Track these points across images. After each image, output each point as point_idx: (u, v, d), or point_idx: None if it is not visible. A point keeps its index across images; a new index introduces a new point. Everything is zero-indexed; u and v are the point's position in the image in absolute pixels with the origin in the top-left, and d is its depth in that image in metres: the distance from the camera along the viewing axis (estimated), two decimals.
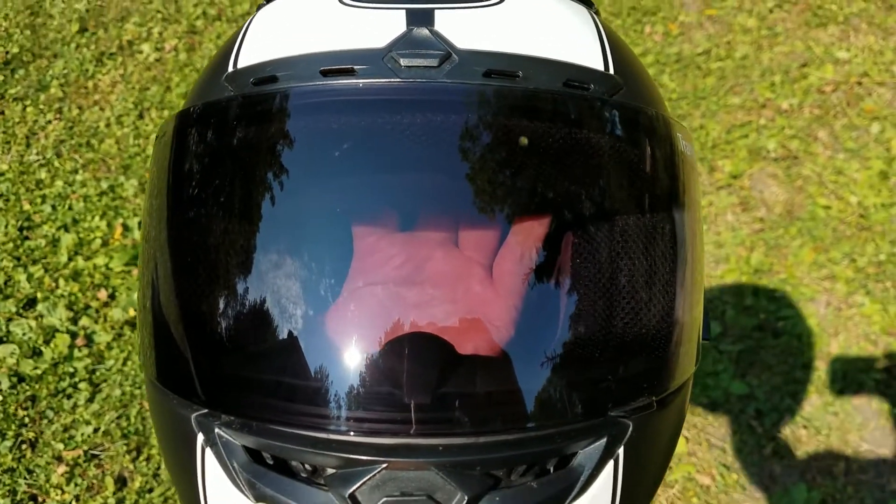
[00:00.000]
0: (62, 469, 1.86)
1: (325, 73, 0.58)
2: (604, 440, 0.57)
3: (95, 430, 1.94)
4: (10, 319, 2.15)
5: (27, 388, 2.01)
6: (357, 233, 0.59)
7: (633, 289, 0.58)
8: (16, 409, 1.96)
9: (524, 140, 0.57)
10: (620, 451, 0.57)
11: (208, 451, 0.58)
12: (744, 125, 2.64)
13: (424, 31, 0.59)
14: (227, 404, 0.59)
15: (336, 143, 0.57)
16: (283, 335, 0.56)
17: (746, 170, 2.48)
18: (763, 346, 2.03)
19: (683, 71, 2.89)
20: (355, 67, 0.58)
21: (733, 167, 2.48)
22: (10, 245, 2.33)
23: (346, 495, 0.53)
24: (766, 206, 2.38)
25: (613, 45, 0.66)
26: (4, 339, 2.11)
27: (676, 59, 2.95)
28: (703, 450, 1.84)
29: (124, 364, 2.07)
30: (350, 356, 0.55)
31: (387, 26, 0.60)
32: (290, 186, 0.58)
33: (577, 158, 0.58)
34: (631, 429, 0.58)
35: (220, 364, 0.59)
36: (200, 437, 0.59)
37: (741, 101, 2.73)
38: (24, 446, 1.90)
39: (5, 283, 2.24)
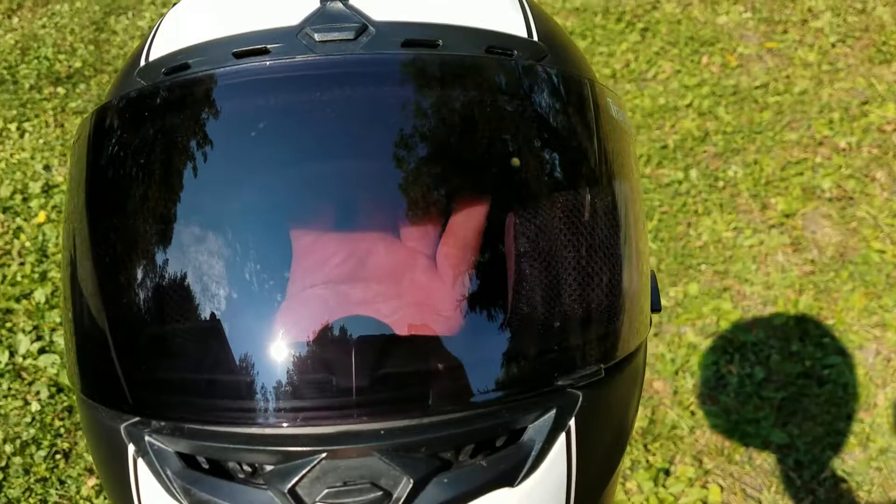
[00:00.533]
0: (92, 482, 1.88)
1: (239, 56, 0.56)
2: (553, 412, 0.54)
3: None
4: (53, 330, 2.19)
5: (65, 398, 2.04)
6: (293, 232, 0.56)
7: (573, 259, 0.56)
8: (52, 420, 1.99)
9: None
10: (572, 423, 0.55)
11: (140, 461, 0.55)
12: (799, 162, 2.57)
13: (338, 5, 0.57)
14: (156, 408, 0.55)
15: (254, 127, 0.54)
16: (207, 330, 0.53)
17: (800, 209, 2.41)
18: (807, 395, 1.95)
19: (740, 104, 2.83)
20: (269, 47, 0.55)
21: (786, 205, 2.41)
22: (60, 256, 2.37)
23: (286, 491, 0.50)
24: (818, 248, 2.30)
25: (537, 14, 0.64)
26: (47, 348, 2.15)
27: (733, 91, 2.89)
28: (738, 499, 1.77)
29: None
30: (280, 343, 0.52)
31: (300, 4, 0.58)
32: (209, 179, 0.56)
33: (505, 127, 0.56)
34: (581, 399, 0.55)
35: (145, 367, 0.56)
36: (131, 448, 0.55)
37: (798, 137, 2.66)
38: (57, 456, 1.93)
39: (52, 293, 2.28)
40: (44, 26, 3.46)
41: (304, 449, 0.50)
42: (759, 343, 2.07)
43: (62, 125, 2.91)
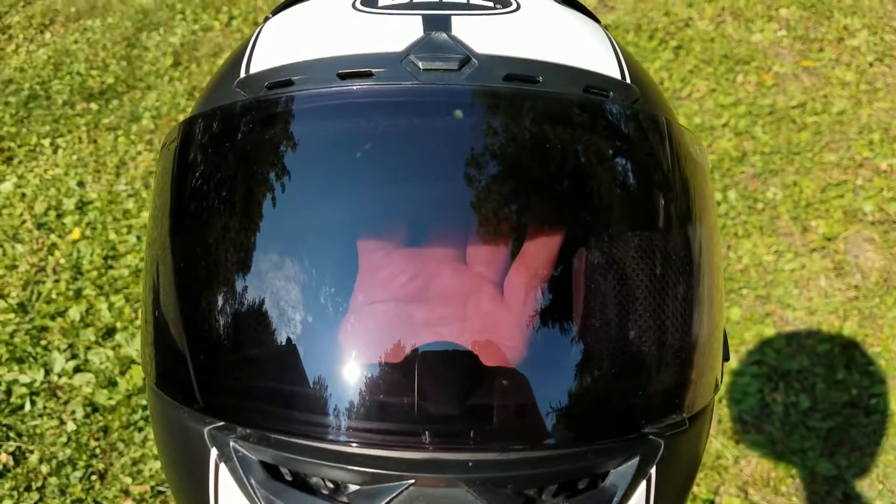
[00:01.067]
0: (129, 503, 1.87)
1: (343, 77, 0.57)
2: (636, 459, 0.54)
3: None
4: (88, 348, 2.18)
5: (100, 418, 2.02)
6: (364, 245, 0.56)
7: (657, 303, 0.56)
8: (88, 440, 1.97)
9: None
10: (652, 470, 0.55)
11: (222, 466, 0.55)
12: (839, 184, 2.53)
13: (443, 35, 0.58)
14: (243, 415, 0.56)
15: (353, 148, 0.56)
16: (300, 346, 0.54)
17: (841, 232, 2.37)
18: (854, 424, 1.91)
19: (777, 124, 2.80)
20: (373, 70, 0.57)
21: (827, 229, 2.38)
22: (95, 273, 2.37)
23: None
24: (862, 273, 2.26)
25: (626, 56, 0.66)
26: (82, 367, 2.14)
27: (770, 110, 2.86)
28: None
29: None
30: (373, 368, 0.53)
31: (404, 31, 0.59)
32: (303, 195, 0.57)
33: (597, 167, 0.57)
34: (662, 447, 0.56)
35: (237, 374, 0.57)
36: (214, 452, 0.55)
37: (837, 158, 2.62)
38: (93, 477, 1.91)
39: (87, 311, 2.28)
40: (76, 42, 3.47)
41: (393, 473, 0.51)
42: (804, 371, 2.03)
43: (95, 141, 2.91)
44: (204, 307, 0.57)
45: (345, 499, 0.53)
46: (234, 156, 0.58)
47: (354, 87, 0.56)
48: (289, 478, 0.55)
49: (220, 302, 0.56)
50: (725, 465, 1.85)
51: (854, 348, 2.08)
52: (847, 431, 1.90)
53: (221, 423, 0.56)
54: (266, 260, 0.55)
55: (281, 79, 0.59)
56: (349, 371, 0.53)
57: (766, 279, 2.28)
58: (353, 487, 0.52)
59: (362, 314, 0.54)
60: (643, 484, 0.55)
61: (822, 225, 2.40)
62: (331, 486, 0.54)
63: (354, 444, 0.52)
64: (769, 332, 2.13)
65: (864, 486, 1.80)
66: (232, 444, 0.54)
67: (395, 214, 0.59)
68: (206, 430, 0.56)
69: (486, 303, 0.56)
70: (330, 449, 0.52)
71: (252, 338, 0.55)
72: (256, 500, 0.54)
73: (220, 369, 0.57)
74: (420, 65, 0.56)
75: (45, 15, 3.64)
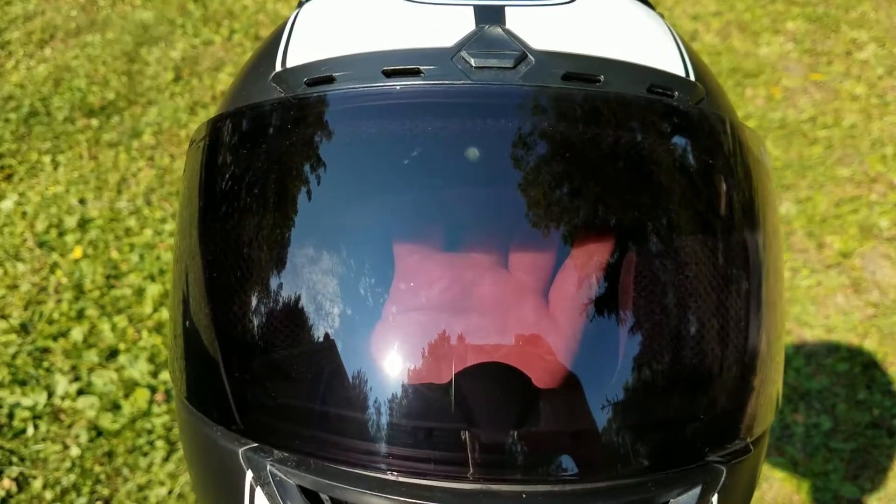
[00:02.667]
0: None
1: (388, 74, 0.53)
2: (699, 488, 0.51)
3: (169, 493, 1.89)
4: (91, 370, 2.13)
5: (104, 443, 1.98)
6: (402, 250, 0.53)
7: (722, 316, 0.53)
8: (93, 465, 1.93)
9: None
10: (714, 499, 0.52)
11: (258, 490, 0.52)
12: (854, 199, 2.50)
13: (497, 30, 0.54)
14: (282, 439, 0.52)
15: (399, 151, 0.52)
16: (341, 366, 0.50)
17: (857, 248, 2.34)
18: (877, 446, 1.87)
19: (788, 138, 2.77)
20: (421, 68, 0.53)
21: (843, 245, 2.35)
22: (97, 293, 2.33)
23: None
24: (880, 290, 2.23)
25: (690, 51, 0.61)
26: (85, 390, 2.09)
27: (780, 125, 2.84)
28: None
29: None
30: (419, 391, 0.49)
31: (454, 23, 0.55)
32: (345, 200, 0.53)
33: (664, 172, 0.53)
34: (724, 475, 0.52)
35: (274, 394, 0.53)
36: (249, 475, 0.52)
37: (850, 172, 2.59)
38: (98, 503, 1.86)
39: (89, 331, 2.23)
40: (76, 57, 3.43)
41: None
42: (824, 390, 2.00)
43: (96, 157, 2.87)
44: (237, 321, 0.53)
45: None
46: (270, 156, 0.54)
47: (401, 87, 0.53)
48: None
49: (254, 316, 0.52)
50: None
51: (874, 367, 2.04)
52: (870, 453, 1.87)
53: (257, 445, 0.53)
54: (303, 268, 0.51)
55: (321, 75, 0.55)
56: (391, 394, 0.49)
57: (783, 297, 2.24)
58: None
59: (402, 326, 0.51)
60: None
61: (837, 241, 2.37)
62: None
63: (399, 473, 0.49)
64: (788, 351, 2.09)
65: None
66: (269, 467, 0.52)
67: (438, 220, 0.55)
68: (241, 451, 0.53)
69: (529, 313, 0.53)
70: (373, 476, 0.49)
71: (289, 354, 0.52)
72: None
73: (256, 388, 0.53)
74: (472, 62, 0.53)
75: (45, 31, 3.60)
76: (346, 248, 0.52)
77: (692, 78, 0.58)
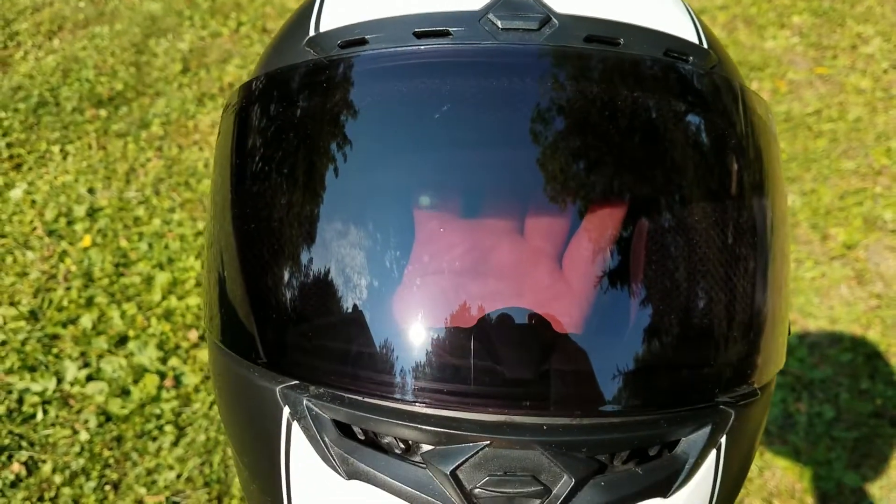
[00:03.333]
0: None
1: (419, 36, 0.55)
2: (708, 428, 0.54)
3: (178, 476, 1.91)
4: (100, 356, 2.15)
5: (114, 427, 2.00)
6: (426, 214, 0.55)
7: (731, 270, 0.55)
8: (101, 450, 1.95)
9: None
10: (723, 440, 0.55)
11: (295, 424, 0.54)
12: (858, 192, 2.51)
13: None
14: (318, 375, 0.54)
15: (429, 110, 0.54)
16: (372, 306, 0.53)
17: (861, 240, 2.35)
18: (879, 435, 1.89)
19: (793, 131, 2.78)
20: (450, 30, 0.55)
21: (847, 237, 2.35)
22: (106, 281, 2.35)
23: (448, 473, 0.50)
24: (884, 281, 2.24)
25: (701, 22, 0.64)
26: (95, 376, 2.11)
27: (785, 118, 2.84)
28: None
29: (210, 408, 2.05)
30: (445, 331, 0.52)
31: None
32: (379, 158, 0.55)
33: (677, 133, 0.55)
34: (733, 417, 0.55)
35: (310, 334, 0.55)
36: (286, 411, 0.55)
37: (855, 165, 2.60)
38: (107, 488, 1.88)
39: (99, 319, 2.25)
40: (84, 48, 3.45)
41: (469, 434, 0.50)
42: (827, 380, 2.01)
43: (104, 147, 2.89)
44: (274, 271, 0.56)
45: (417, 458, 0.52)
46: (305, 117, 0.56)
47: (431, 47, 0.55)
48: (361, 437, 0.54)
49: (290, 267, 0.55)
50: (750, 477, 1.82)
51: (877, 357, 2.06)
52: (873, 442, 1.88)
53: (295, 382, 0.55)
54: (333, 224, 0.54)
55: (354, 37, 0.57)
56: (421, 336, 0.52)
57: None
58: (425, 447, 0.51)
59: (429, 284, 0.53)
60: (713, 452, 0.54)
61: (841, 233, 2.38)
62: (403, 445, 0.53)
63: (428, 405, 0.51)
64: (791, 341, 2.10)
65: (893, 497, 1.77)
66: (305, 402, 0.54)
67: (462, 181, 0.58)
68: (278, 388, 0.55)
69: (544, 277, 0.55)
70: (403, 409, 0.52)
71: (322, 300, 0.54)
72: (330, 457, 0.53)
73: (292, 329, 0.56)
74: (499, 24, 0.55)
75: (54, 22, 3.62)
76: (375, 206, 0.54)
77: (705, 45, 0.60)
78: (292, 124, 0.56)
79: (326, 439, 0.53)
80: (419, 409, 0.51)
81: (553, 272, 0.55)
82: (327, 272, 0.53)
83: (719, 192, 0.56)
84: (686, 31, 0.60)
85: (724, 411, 0.55)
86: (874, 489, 1.79)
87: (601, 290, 0.53)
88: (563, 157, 0.53)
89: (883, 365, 2.04)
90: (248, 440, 0.61)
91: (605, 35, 0.55)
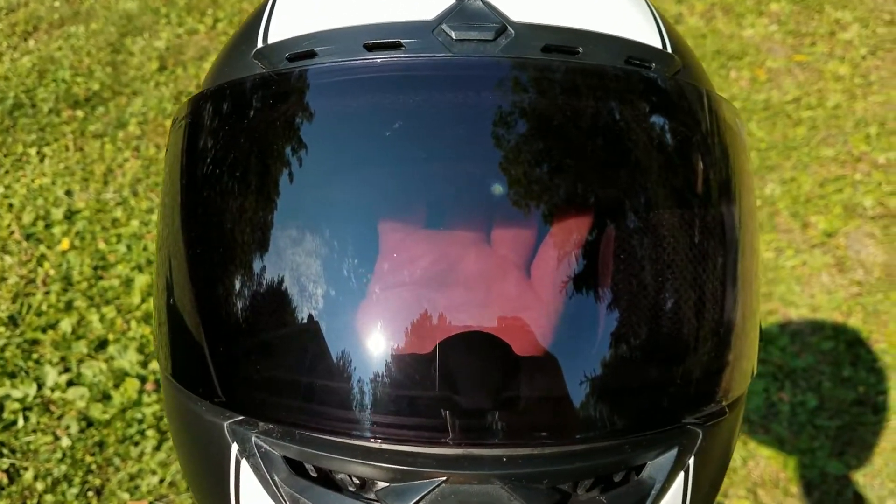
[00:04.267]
0: None
1: (370, 48, 0.53)
2: (675, 450, 0.52)
3: (161, 481, 1.90)
4: (81, 361, 2.14)
5: (95, 433, 1.98)
6: (386, 227, 0.53)
7: (698, 284, 0.54)
8: (83, 456, 1.93)
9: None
10: (691, 461, 0.53)
11: (244, 462, 0.53)
12: (838, 179, 2.52)
13: (477, 3, 0.54)
14: (265, 410, 0.53)
15: (381, 125, 0.52)
16: (325, 336, 0.50)
17: (841, 227, 2.35)
18: (862, 423, 1.89)
19: (772, 119, 2.78)
20: (403, 41, 0.53)
21: (828, 224, 2.36)
22: (85, 284, 2.33)
23: None
24: (864, 268, 2.25)
25: (666, 23, 0.62)
26: (75, 381, 2.09)
27: (764, 106, 2.84)
28: None
29: None
30: (401, 359, 0.49)
31: None
32: (326, 174, 0.53)
33: (640, 143, 0.53)
34: (701, 437, 0.53)
35: (258, 367, 0.53)
36: (235, 448, 0.53)
37: (834, 153, 2.61)
38: (89, 494, 1.87)
39: (78, 323, 2.23)
40: (60, 48, 3.42)
41: (425, 470, 0.48)
42: (810, 369, 2.01)
43: (82, 149, 2.86)
44: (221, 296, 0.54)
45: (372, 496, 0.50)
46: (252, 133, 0.54)
47: (382, 60, 0.53)
48: (313, 474, 0.52)
49: (238, 290, 0.53)
50: (734, 467, 1.83)
51: (859, 345, 2.06)
52: (855, 430, 1.88)
53: (242, 418, 0.53)
54: (287, 243, 0.51)
55: (303, 49, 0.55)
56: (375, 364, 0.49)
57: (767, 277, 2.26)
58: (381, 484, 0.50)
59: (386, 301, 0.51)
60: (681, 475, 0.53)
61: (821, 221, 2.38)
62: (357, 482, 0.51)
63: (382, 440, 0.50)
64: (773, 330, 2.11)
65: (876, 485, 1.78)
66: (254, 439, 0.52)
67: (418, 195, 0.55)
68: (226, 424, 0.53)
69: (511, 287, 0.53)
70: (357, 445, 0.50)
71: (272, 327, 0.52)
72: (280, 497, 0.51)
73: (240, 361, 0.54)
74: (453, 35, 0.53)
75: (29, 22, 3.58)
76: (330, 223, 0.52)
77: (669, 50, 0.58)
78: (240, 141, 0.54)
79: (276, 478, 0.51)
80: (373, 444, 0.50)
81: (521, 282, 0.53)
82: (276, 298, 0.51)
83: (685, 201, 0.54)
84: (649, 35, 0.58)
85: (691, 431, 0.54)
86: (858, 476, 1.80)
87: (568, 299, 0.51)
88: (522, 169, 0.51)
89: (864, 352, 2.04)
90: (199, 477, 0.60)
91: (563, 44, 0.53)
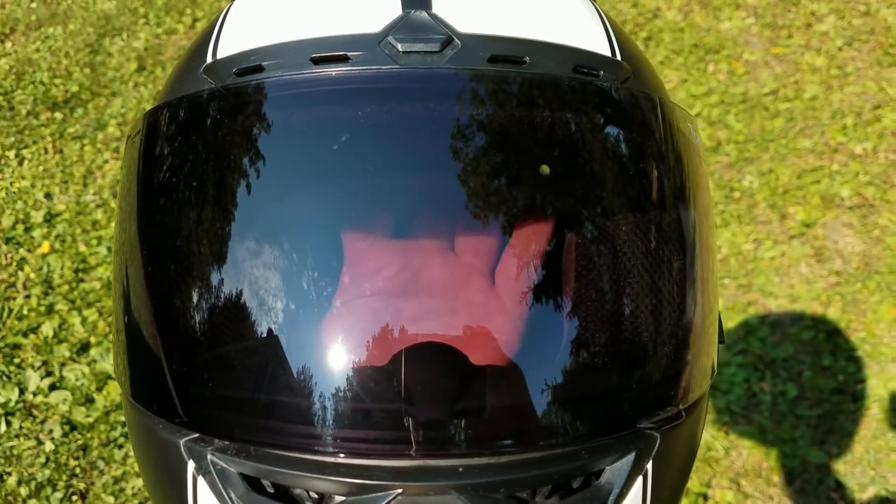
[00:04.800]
0: None
1: (317, 62, 0.53)
2: (632, 455, 0.53)
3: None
4: (63, 365, 2.13)
5: (79, 437, 1.97)
6: (348, 238, 0.53)
7: (654, 288, 0.54)
8: (67, 460, 1.92)
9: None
10: (649, 465, 0.54)
11: (200, 479, 0.53)
12: (815, 170, 2.54)
13: (423, 15, 0.54)
14: (220, 427, 0.53)
15: (330, 137, 0.52)
16: (280, 351, 0.50)
17: (820, 218, 2.38)
18: (842, 411, 1.91)
19: (750, 112, 2.80)
20: (349, 54, 0.53)
21: (806, 215, 2.38)
22: (66, 287, 2.32)
23: None
24: (842, 258, 2.27)
25: (616, 30, 0.62)
26: (58, 385, 2.08)
27: (742, 99, 2.86)
28: None
29: None
30: (356, 372, 0.50)
31: (380, 10, 0.55)
32: (278, 187, 0.53)
33: (589, 151, 0.54)
34: (658, 441, 0.54)
35: (212, 384, 0.53)
36: (191, 465, 0.53)
37: (812, 144, 2.63)
38: (74, 498, 1.86)
39: (60, 326, 2.22)
40: (38, 50, 3.39)
41: (380, 483, 0.49)
42: (790, 359, 2.03)
43: (61, 151, 2.85)
44: (175, 312, 0.54)
45: None
46: (203, 148, 0.54)
47: (330, 73, 0.53)
48: (271, 490, 0.52)
49: (193, 306, 0.53)
50: (717, 457, 1.84)
51: (838, 334, 2.08)
52: (836, 418, 1.90)
53: (197, 435, 0.54)
54: (241, 260, 0.52)
55: (250, 64, 0.55)
56: (330, 377, 0.50)
57: (746, 268, 2.27)
58: (338, 498, 0.50)
59: (346, 312, 0.51)
60: (639, 479, 0.53)
61: (800, 211, 2.40)
62: (315, 496, 0.52)
63: (338, 454, 0.50)
64: (753, 321, 2.12)
65: (857, 472, 1.80)
66: (210, 456, 0.52)
67: (377, 205, 0.56)
68: (182, 441, 0.54)
69: (476, 294, 0.54)
70: (313, 459, 0.50)
71: (227, 344, 0.52)
72: None
73: (194, 378, 0.54)
74: (399, 47, 0.53)
75: (5, 24, 3.56)
76: (282, 236, 0.52)
77: (618, 57, 0.59)
78: (192, 156, 0.54)
79: (233, 495, 0.51)
80: (329, 458, 0.50)
81: (486, 289, 0.54)
82: (229, 314, 0.52)
83: (640, 208, 0.55)
84: (597, 42, 0.59)
85: (648, 435, 0.54)
86: (839, 465, 1.82)
87: (531, 305, 0.52)
88: (473, 178, 0.52)
89: (843, 341, 2.07)
90: (160, 495, 0.60)
91: (509, 54, 0.54)
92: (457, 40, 0.53)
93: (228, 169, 0.53)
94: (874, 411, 1.91)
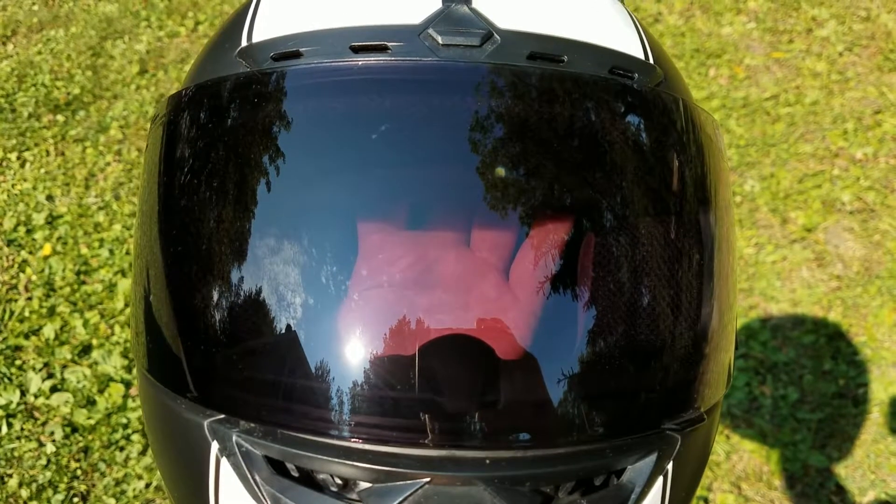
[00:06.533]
0: None
1: (356, 50, 0.53)
2: (654, 455, 0.53)
3: (147, 486, 1.89)
4: (64, 367, 2.13)
5: (80, 439, 1.97)
6: (368, 228, 0.53)
7: (677, 291, 0.55)
8: (68, 461, 1.92)
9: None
10: (669, 466, 0.54)
11: (224, 461, 0.52)
12: (816, 174, 2.54)
13: (464, 8, 0.55)
14: (248, 410, 0.53)
15: (367, 127, 0.52)
16: (311, 335, 0.51)
17: (821, 222, 2.38)
18: (843, 415, 1.92)
19: (751, 116, 2.80)
20: (389, 44, 0.53)
21: (807, 219, 2.38)
22: (67, 290, 2.32)
23: None
24: (843, 262, 2.27)
25: (648, 35, 0.63)
26: (59, 386, 2.08)
27: (743, 103, 2.87)
28: None
29: None
30: (387, 360, 0.50)
31: (421, 1, 0.55)
32: (313, 174, 0.53)
33: (622, 151, 0.54)
34: (679, 443, 0.55)
35: (240, 365, 0.53)
36: (215, 446, 0.53)
37: (813, 149, 2.63)
38: (75, 500, 1.86)
39: (61, 328, 2.22)
40: (39, 52, 3.40)
41: (408, 471, 0.48)
42: (791, 363, 2.04)
43: (63, 153, 2.85)
44: (202, 293, 0.54)
45: (354, 496, 0.50)
46: (234, 132, 0.54)
47: (368, 62, 0.53)
48: (295, 474, 0.52)
49: (220, 288, 0.53)
50: (717, 461, 1.84)
51: (839, 338, 2.09)
52: (837, 422, 1.91)
53: (223, 416, 0.53)
54: (268, 244, 0.52)
55: (288, 49, 0.55)
56: (358, 365, 0.50)
57: (748, 272, 2.28)
58: (363, 485, 0.50)
59: (367, 301, 0.51)
60: (660, 479, 0.54)
61: (801, 216, 2.41)
62: (339, 482, 0.51)
63: (365, 440, 0.50)
64: (754, 325, 2.13)
65: (857, 476, 1.80)
66: (235, 438, 0.52)
67: (404, 196, 0.56)
68: (206, 422, 0.53)
69: (490, 290, 0.54)
70: (339, 445, 0.50)
71: (255, 327, 0.52)
72: (261, 497, 0.51)
73: (220, 358, 0.53)
74: (439, 39, 0.53)
75: (7, 26, 3.56)
76: (311, 225, 0.52)
77: (651, 61, 0.59)
78: (222, 139, 0.54)
79: (257, 478, 0.51)
80: (356, 444, 0.50)
81: (500, 285, 0.54)
82: (258, 296, 0.51)
83: (663, 211, 0.55)
84: (632, 45, 0.59)
85: (670, 437, 0.55)
86: (839, 469, 1.82)
87: (547, 303, 0.52)
88: (504, 174, 0.52)
89: (845, 346, 2.07)
90: (176, 475, 0.59)
91: (548, 52, 0.54)
92: (496, 35, 0.54)
93: (259, 155, 0.53)
94: (875, 415, 1.91)
